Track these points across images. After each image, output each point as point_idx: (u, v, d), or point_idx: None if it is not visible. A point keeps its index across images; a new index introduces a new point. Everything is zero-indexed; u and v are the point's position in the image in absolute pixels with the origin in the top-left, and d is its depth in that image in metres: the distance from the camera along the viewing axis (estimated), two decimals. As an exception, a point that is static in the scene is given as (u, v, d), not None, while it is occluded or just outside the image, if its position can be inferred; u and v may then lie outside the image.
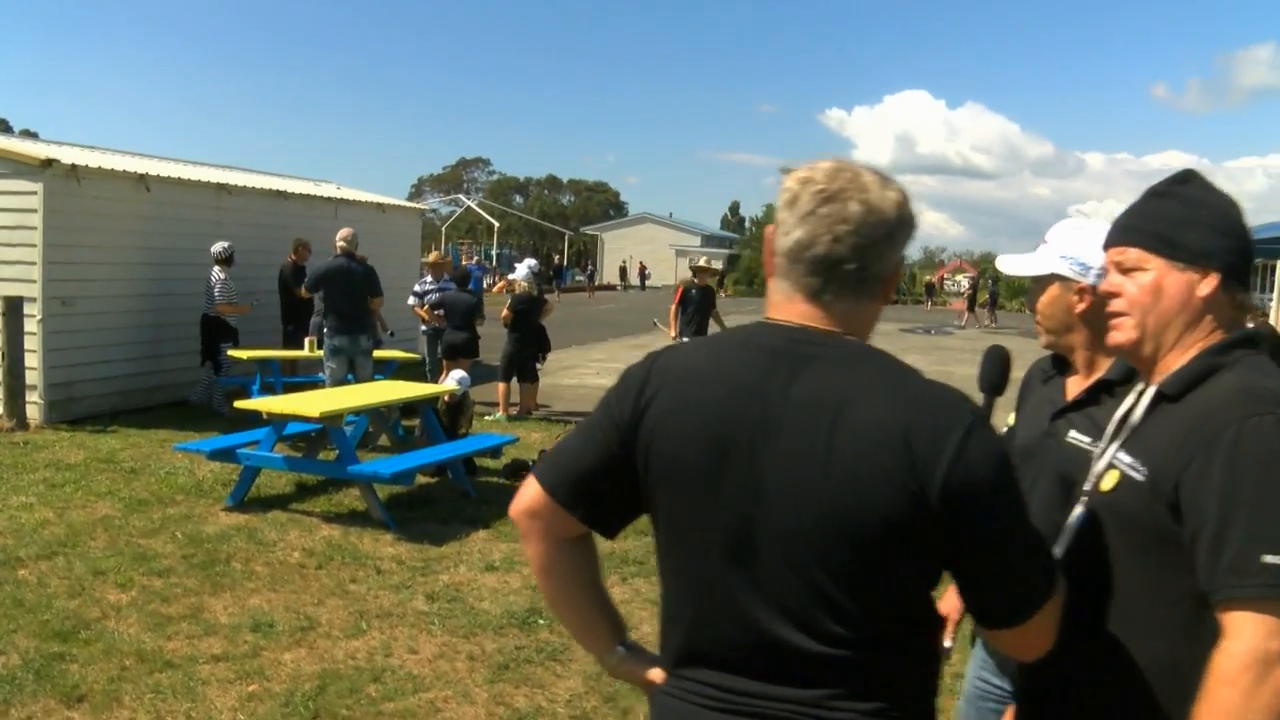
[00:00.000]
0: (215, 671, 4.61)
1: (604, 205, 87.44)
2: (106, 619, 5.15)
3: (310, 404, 7.30)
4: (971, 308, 38.37)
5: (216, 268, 11.06)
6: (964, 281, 45.16)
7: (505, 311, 11.91)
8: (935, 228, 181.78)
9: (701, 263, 14.05)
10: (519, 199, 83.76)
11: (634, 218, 74.04)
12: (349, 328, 9.73)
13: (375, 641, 5.06)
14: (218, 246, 11.07)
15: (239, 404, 7.63)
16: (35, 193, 9.87)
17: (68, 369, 10.20)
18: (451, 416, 8.77)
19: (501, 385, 11.89)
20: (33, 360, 9.83)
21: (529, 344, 12.03)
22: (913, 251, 72.15)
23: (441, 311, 12.00)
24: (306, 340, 10.88)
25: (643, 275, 58.79)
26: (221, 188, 12.13)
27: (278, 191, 13.12)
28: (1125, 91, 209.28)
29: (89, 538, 6.50)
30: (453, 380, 9.08)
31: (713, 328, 12.76)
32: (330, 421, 7.04)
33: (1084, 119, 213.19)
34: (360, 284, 9.99)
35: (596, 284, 55.67)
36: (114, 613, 5.24)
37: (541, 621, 5.44)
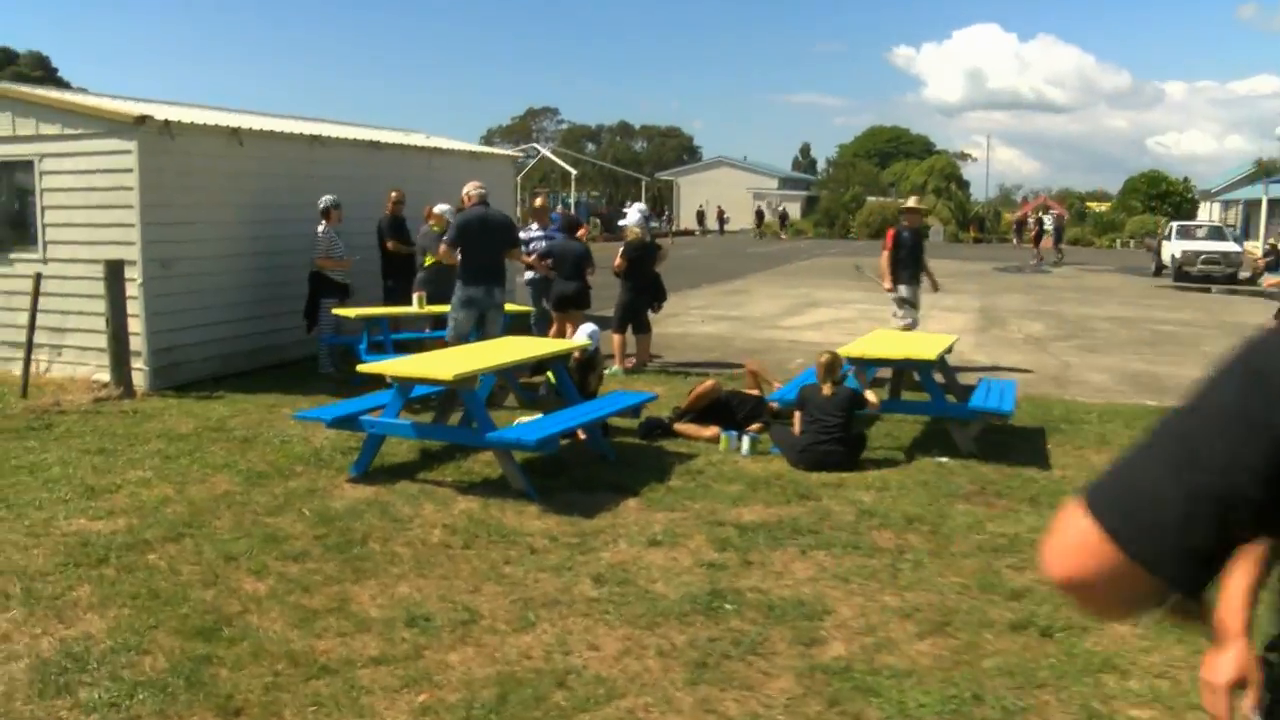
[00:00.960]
0: (377, 677, 4.04)
1: (677, 150, 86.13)
2: (248, 613, 4.62)
3: (441, 365, 6.70)
4: (1037, 243, 37.92)
5: (323, 222, 10.61)
6: (1045, 219, 44.08)
7: (619, 260, 11.24)
8: (1008, 164, 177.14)
9: (910, 202, 12.91)
10: (591, 146, 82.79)
11: (708, 162, 72.79)
12: (485, 279, 9.16)
13: (548, 636, 4.46)
14: (322, 200, 10.61)
15: (363, 368, 6.99)
16: (130, 151, 9.39)
17: (170, 333, 9.77)
18: (582, 374, 8.15)
19: (617, 337, 11.26)
20: (135, 325, 9.41)
21: (644, 293, 11.38)
22: (990, 189, 70.01)
23: (550, 261, 11.37)
24: (416, 295, 10.31)
25: (721, 219, 57.70)
26: (315, 139, 11.58)
27: (371, 142, 12.55)
28: (1209, 15, 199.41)
29: (213, 516, 6.00)
30: (583, 335, 8.45)
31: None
32: (464, 384, 6.44)
33: (1164, 47, 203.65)
34: (498, 233, 9.40)
35: (674, 229, 54.77)
36: (254, 605, 4.71)
37: (728, 607, 4.81)
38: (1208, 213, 57.52)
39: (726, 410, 8.44)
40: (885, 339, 9.39)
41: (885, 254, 11.80)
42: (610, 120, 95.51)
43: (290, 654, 4.21)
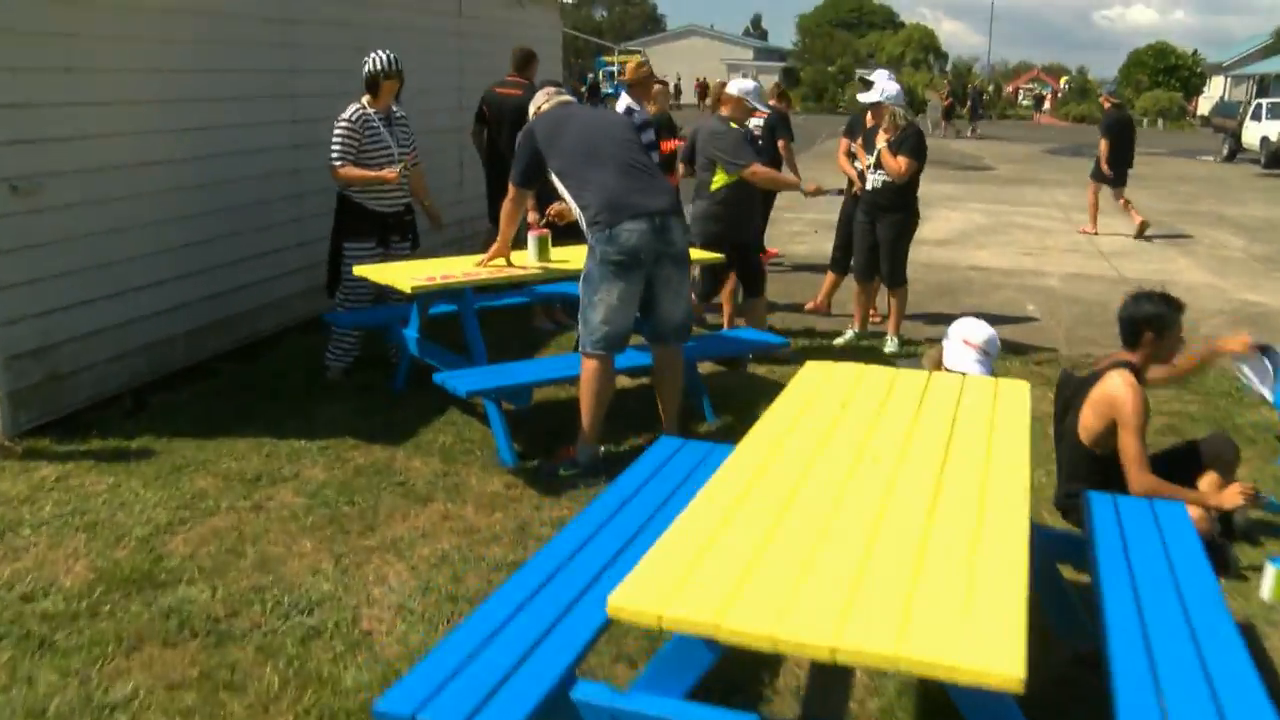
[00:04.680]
0: None
1: (641, 19, 79.43)
2: None
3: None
4: (949, 118, 36.12)
5: (359, 100, 5.73)
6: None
7: (904, 161, 6.48)
8: (954, 36, 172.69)
9: None
10: (547, 14, 76.06)
11: (677, 31, 66.82)
12: (644, 206, 4.40)
13: None
14: (369, 59, 5.69)
15: (614, 601, 2.05)
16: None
17: (40, 321, 5.02)
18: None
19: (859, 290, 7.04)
20: (-35, 313, 4.70)
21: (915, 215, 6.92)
22: (946, 62, 65.86)
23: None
24: (532, 236, 5.39)
25: (704, 92, 52.14)
26: (290, -41, 6.67)
27: (377, -30, 7.63)
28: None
29: None
30: (973, 364, 3.69)
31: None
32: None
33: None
34: (621, 132, 4.70)
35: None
36: None
37: None
38: (1223, 89, 53.61)
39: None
40: None
41: None
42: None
43: None
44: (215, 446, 4.84)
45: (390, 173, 5.52)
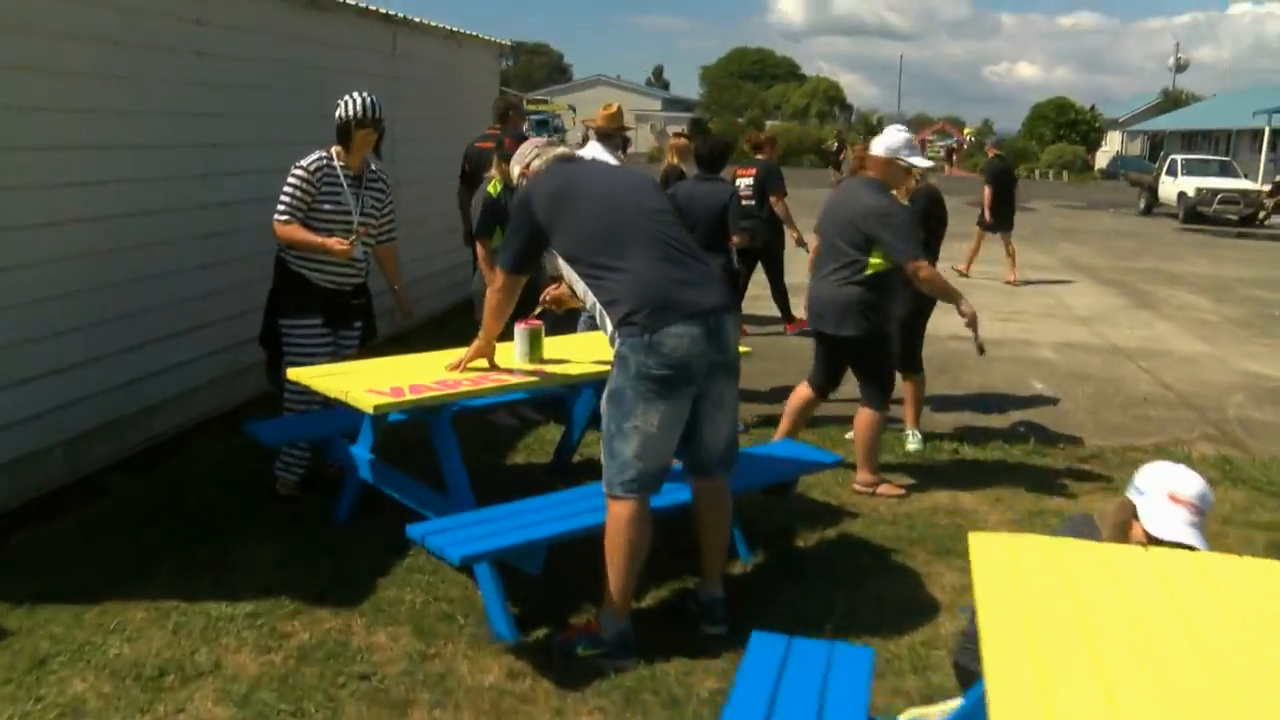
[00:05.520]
0: None
1: (548, 69, 78.94)
2: None
3: None
4: (838, 168, 35.40)
5: (326, 149, 4.53)
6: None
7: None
8: (850, 88, 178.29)
9: None
10: (452, 62, 75.10)
11: (584, 80, 66.24)
12: (691, 300, 3.29)
13: None
14: (343, 104, 4.46)
15: None
16: None
17: None
18: None
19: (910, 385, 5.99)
20: None
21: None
22: (852, 114, 66.91)
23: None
24: (521, 330, 4.09)
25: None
26: (202, -18, 5.47)
27: (306, 1, 6.46)
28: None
29: None
30: (1182, 526, 2.61)
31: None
32: None
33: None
34: (652, 198, 3.62)
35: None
36: None
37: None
38: (1120, 143, 55.16)
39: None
40: None
41: None
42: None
43: None
44: (98, 616, 3.55)
45: (337, 243, 4.32)
